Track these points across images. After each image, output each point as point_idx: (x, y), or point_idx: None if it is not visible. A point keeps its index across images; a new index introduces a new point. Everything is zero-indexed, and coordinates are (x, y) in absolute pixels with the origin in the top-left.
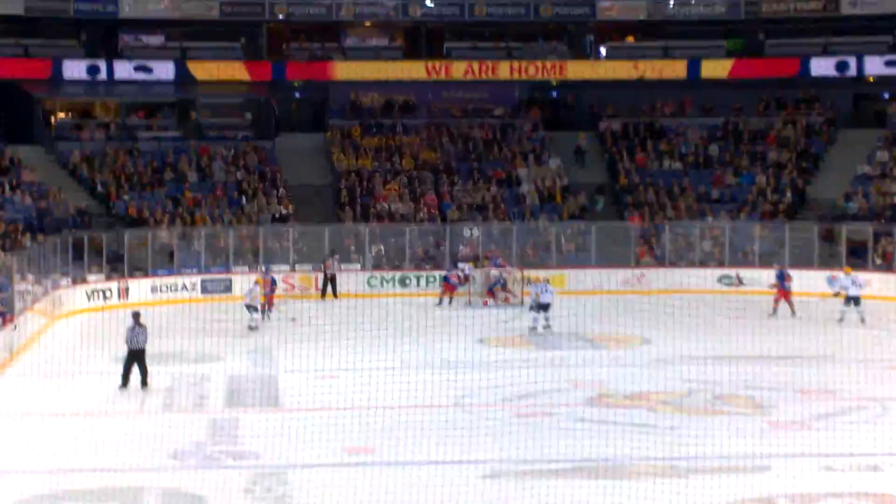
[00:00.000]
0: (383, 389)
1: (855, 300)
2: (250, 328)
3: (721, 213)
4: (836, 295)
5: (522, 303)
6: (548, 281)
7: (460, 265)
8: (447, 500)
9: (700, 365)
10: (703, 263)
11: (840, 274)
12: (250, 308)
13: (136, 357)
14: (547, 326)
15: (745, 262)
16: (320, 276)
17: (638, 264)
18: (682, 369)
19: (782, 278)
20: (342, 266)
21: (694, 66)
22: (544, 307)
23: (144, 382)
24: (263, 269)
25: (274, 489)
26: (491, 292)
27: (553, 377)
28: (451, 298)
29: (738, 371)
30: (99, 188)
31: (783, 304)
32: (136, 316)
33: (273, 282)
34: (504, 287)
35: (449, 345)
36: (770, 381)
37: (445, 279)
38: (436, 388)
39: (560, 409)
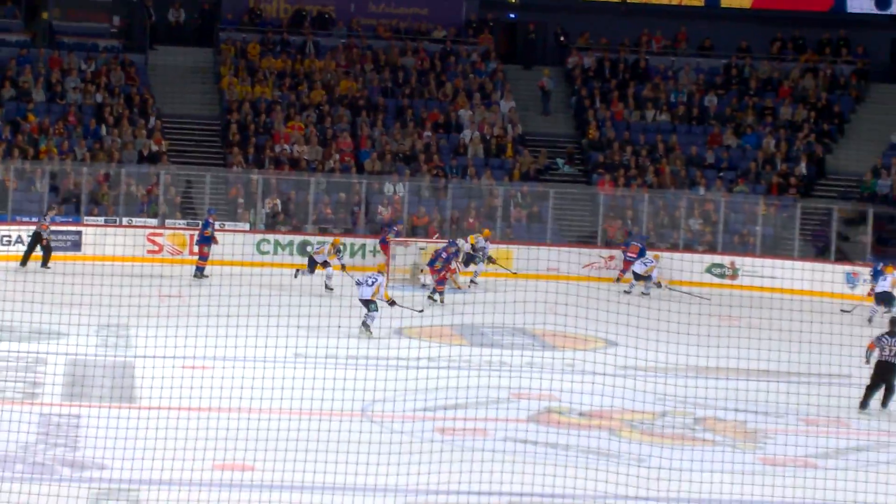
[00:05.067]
0: (269, 388)
1: (886, 299)
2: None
3: (716, 182)
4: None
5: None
6: None
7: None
8: None
9: (679, 378)
10: (689, 247)
11: (865, 269)
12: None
13: None
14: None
15: (743, 249)
16: (196, 234)
17: (606, 244)
18: (655, 382)
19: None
20: (224, 224)
21: None
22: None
23: None
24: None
25: None
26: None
27: (489, 384)
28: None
29: (726, 388)
30: None
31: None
32: None
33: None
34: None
35: (359, 335)
36: (767, 403)
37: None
38: (337, 391)
39: (496, 426)
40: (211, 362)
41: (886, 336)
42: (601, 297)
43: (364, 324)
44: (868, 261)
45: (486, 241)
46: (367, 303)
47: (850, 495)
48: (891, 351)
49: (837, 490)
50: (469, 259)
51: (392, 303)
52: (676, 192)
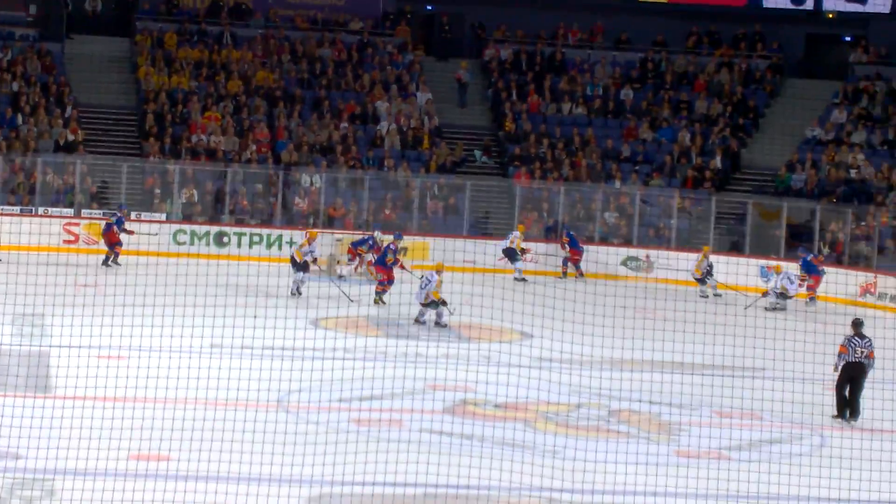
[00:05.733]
0: (185, 379)
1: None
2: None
3: (632, 176)
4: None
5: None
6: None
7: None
8: None
9: (594, 370)
10: (605, 240)
11: (782, 264)
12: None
13: None
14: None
15: (659, 242)
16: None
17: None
18: (570, 374)
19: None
20: (140, 215)
21: None
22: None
23: None
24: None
25: (36, 501)
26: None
27: (405, 375)
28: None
29: (641, 381)
30: None
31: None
32: None
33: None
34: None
35: (275, 326)
36: (681, 396)
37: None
38: (254, 382)
39: (411, 417)
40: (127, 352)
41: (856, 338)
42: (517, 288)
43: (437, 324)
44: (800, 252)
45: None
46: (432, 304)
47: (763, 487)
48: (861, 353)
49: (751, 482)
50: (512, 255)
51: (443, 302)
52: (592, 185)
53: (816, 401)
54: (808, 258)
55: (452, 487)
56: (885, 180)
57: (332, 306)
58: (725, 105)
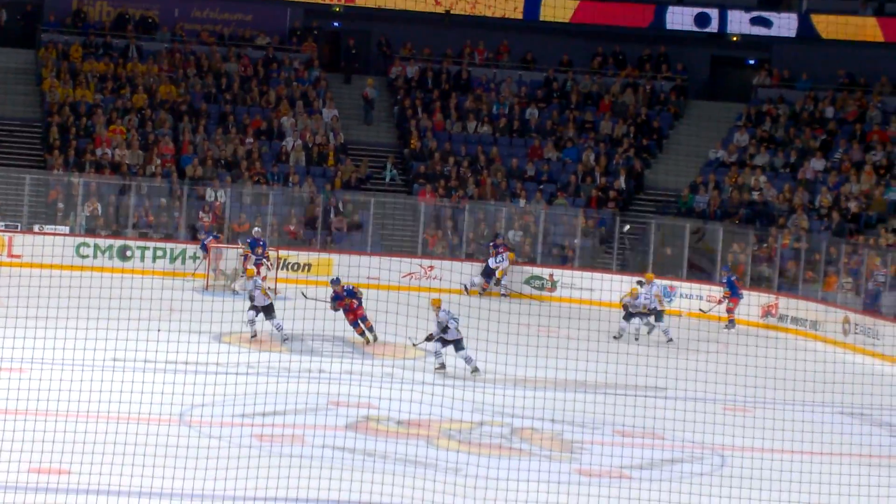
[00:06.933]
0: (87, 392)
1: (657, 315)
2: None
3: (536, 195)
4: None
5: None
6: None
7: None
8: None
9: (497, 388)
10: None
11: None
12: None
13: None
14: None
15: (562, 262)
16: (14, 236)
17: (426, 254)
18: (473, 392)
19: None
20: (43, 227)
21: (533, 5)
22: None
23: None
24: None
25: None
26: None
27: (308, 391)
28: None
29: (543, 399)
30: None
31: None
32: None
33: None
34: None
35: (178, 340)
36: (584, 414)
37: None
38: (155, 396)
39: (313, 433)
40: (28, 364)
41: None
42: (421, 305)
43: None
44: (724, 271)
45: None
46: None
47: None
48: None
49: (651, 501)
50: (489, 273)
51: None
52: (497, 204)
53: (718, 420)
54: (732, 278)
55: None
56: (786, 203)
57: (235, 321)
58: (630, 126)
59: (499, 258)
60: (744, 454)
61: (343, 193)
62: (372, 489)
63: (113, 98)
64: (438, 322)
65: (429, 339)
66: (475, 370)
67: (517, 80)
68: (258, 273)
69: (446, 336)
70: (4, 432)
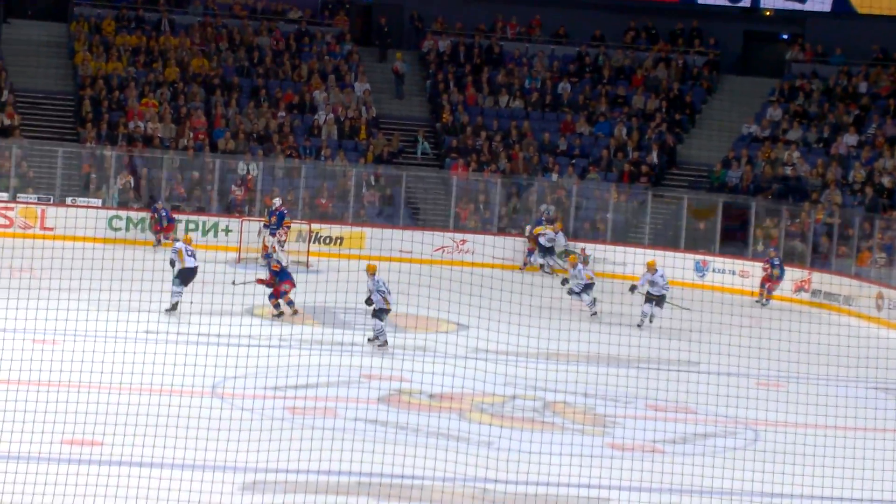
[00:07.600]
0: (119, 365)
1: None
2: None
3: (568, 170)
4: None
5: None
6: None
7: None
8: None
9: (530, 362)
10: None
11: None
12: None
13: None
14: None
15: (595, 236)
16: (47, 209)
17: (458, 228)
18: (506, 366)
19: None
20: (76, 200)
21: None
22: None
23: None
24: None
25: None
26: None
27: (340, 364)
28: None
29: (576, 373)
30: None
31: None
32: None
33: None
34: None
35: (210, 313)
36: (616, 389)
37: None
38: (188, 368)
39: (346, 406)
40: (61, 337)
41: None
42: (453, 279)
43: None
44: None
45: (556, 234)
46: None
47: (696, 480)
48: None
49: (684, 475)
50: (546, 252)
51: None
52: (529, 178)
53: (751, 395)
54: (776, 261)
55: (386, 476)
56: (819, 178)
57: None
58: (662, 100)
59: (549, 235)
60: (777, 429)
61: (375, 167)
62: (404, 462)
63: (145, 71)
64: (368, 290)
65: (367, 302)
66: (379, 343)
67: (549, 54)
68: (276, 244)
69: (370, 306)
70: (38, 404)
